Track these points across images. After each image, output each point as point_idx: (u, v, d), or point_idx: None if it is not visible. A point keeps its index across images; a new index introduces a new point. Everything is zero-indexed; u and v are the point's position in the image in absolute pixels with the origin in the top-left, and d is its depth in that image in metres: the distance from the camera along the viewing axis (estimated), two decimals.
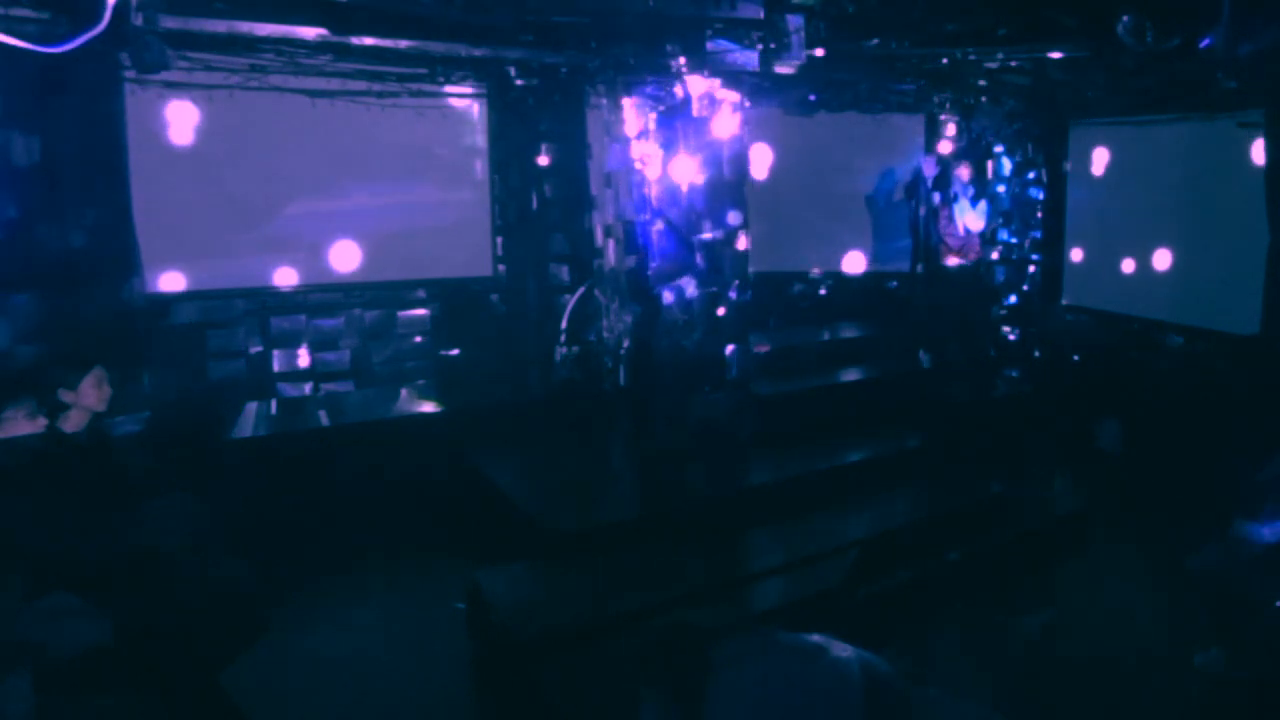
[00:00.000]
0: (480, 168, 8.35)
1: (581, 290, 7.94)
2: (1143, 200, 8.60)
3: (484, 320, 8.25)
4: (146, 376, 6.70)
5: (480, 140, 8.28)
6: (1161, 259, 8.47)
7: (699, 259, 6.38)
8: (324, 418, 7.40)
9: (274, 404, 7.59)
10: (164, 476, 4.39)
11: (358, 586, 6.06)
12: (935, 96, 8.77)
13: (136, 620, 3.46)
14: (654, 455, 6.51)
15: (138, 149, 6.71)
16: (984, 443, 7.55)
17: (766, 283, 8.79)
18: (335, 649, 5.26)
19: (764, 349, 7.69)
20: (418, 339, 8.10)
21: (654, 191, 6.38)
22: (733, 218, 6.50)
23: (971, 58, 6.72)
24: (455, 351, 8.19)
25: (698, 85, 6.15)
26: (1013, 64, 6.97)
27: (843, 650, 2.90)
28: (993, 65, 7.03)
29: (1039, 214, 9.51)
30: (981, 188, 8.95)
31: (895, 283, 9.76)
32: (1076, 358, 9.16)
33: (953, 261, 8.92)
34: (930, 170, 8.89)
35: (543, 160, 8.05)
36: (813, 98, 8.75)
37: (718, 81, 6.18)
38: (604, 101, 7.19)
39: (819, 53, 6.14)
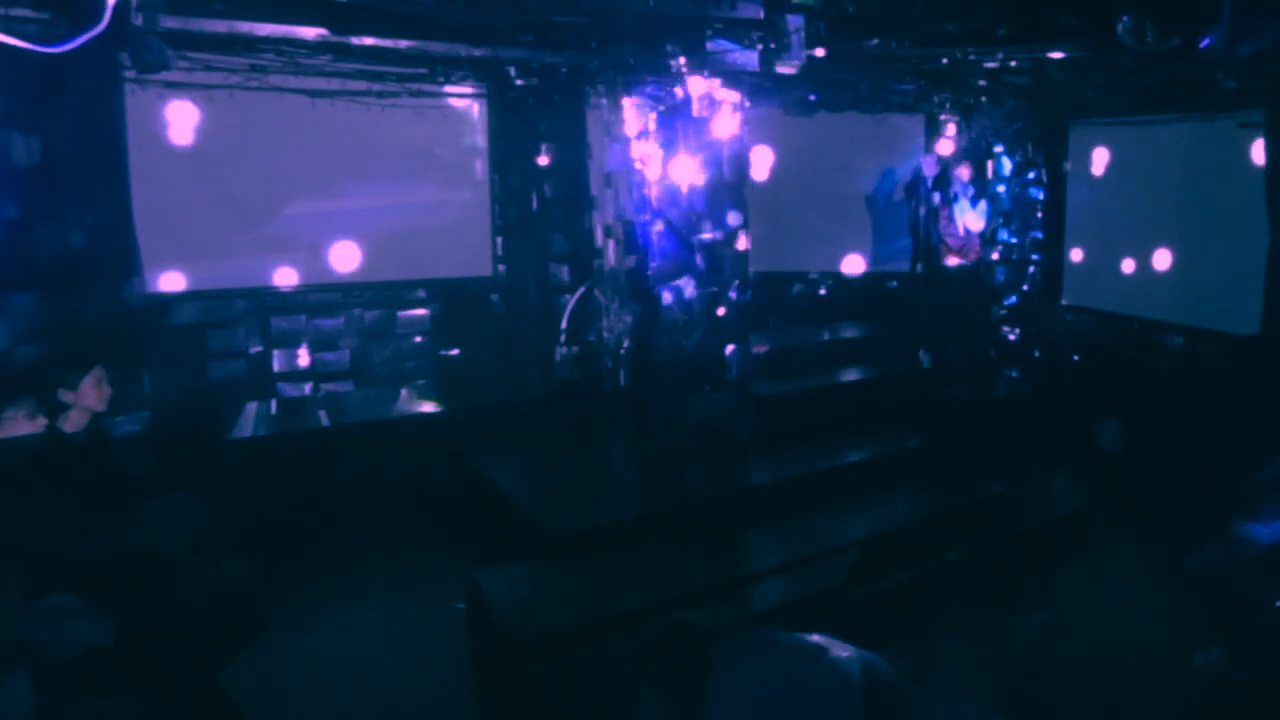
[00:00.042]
0: (480, 168, 8.35)
1: (581, 290, 7.95)
2: (1143, 200, 8.60)
3: (484, 320, 8.26)
4: (146, 376, 6.70)
5: (480, 140, 8.29)
6: (1161, 259, 8.47)
7: (699, 259, 6.38)
8: (324, 418, 7.41)
9: (274, 404, 7.60)
10: (164, 476, 4.39)
11: (358, 586, 6.06)
12: (935, 96, 8.78)
13: (136, 620, 3.46)
14: (654, 455, 6.51)
15: (138, 149, 6.71)
16: (984, 443, 7.55)
17: (766, 283, 8.77)
18: (335, 649, 5.26)
19: (764, 349, 7.68)
20: (418, 339, 8.11)
21: (654, 192, 6.38)
22: (733, 218, 6.50)
23: (971, 58, 6.72)
24: (455, 351, 8.19)
25: (698, 85, 6.16)
26: (1013, 64, 6.97)
27: (843, 650, 2.90)
28: (993, 65, 7.02)
29: (1039, 214, 9.49)
30: (981, 188, 8.94)
31: (895, 283, 9.76)
32: (1076, 358, 9.15)
33: (953, 261, 8.91)
34: (930, 170, 8.89)
35: (543, 160, 8.06)
36: (813, 98, 8.76)
37: (718, 81, 6.18)
38: (604, 101, 7.20)
39: (819, 53, 6.14)
